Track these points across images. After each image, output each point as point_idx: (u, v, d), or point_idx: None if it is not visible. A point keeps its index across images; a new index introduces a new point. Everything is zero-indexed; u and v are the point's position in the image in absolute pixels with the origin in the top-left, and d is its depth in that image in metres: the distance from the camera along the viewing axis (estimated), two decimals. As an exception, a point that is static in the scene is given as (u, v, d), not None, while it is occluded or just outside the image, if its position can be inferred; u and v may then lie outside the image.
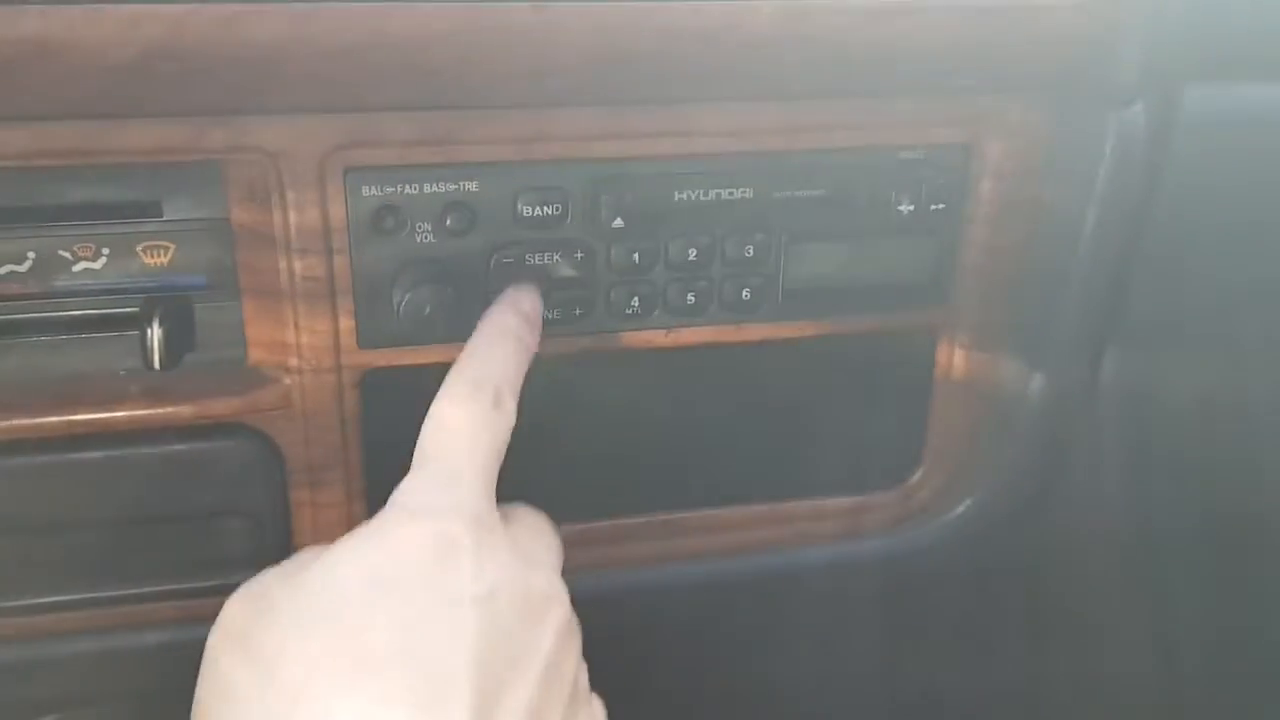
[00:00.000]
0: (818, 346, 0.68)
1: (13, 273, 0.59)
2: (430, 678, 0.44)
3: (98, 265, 0.60)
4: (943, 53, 0.57)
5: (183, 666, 0.65)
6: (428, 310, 0.58)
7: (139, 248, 0.60)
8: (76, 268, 0.59)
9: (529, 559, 0.52)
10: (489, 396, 0.52)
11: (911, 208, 0.64)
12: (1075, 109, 0.63)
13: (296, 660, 0.44)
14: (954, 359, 0.70)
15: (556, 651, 0.49)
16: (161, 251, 0.60)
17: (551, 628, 0.49)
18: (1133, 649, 0.84)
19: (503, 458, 0.53)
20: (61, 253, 0.59)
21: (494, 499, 0.52)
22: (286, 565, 0.51)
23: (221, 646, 0.48)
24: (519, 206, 0.60)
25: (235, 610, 0.49)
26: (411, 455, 0.55)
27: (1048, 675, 0.87)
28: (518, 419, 0.58)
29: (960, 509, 0.74)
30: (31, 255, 0.59)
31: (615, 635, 0.61)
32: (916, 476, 0.74)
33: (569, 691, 0.49)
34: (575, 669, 0.50)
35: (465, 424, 0.52)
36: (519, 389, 0.55)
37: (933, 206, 0.65)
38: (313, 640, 0.45)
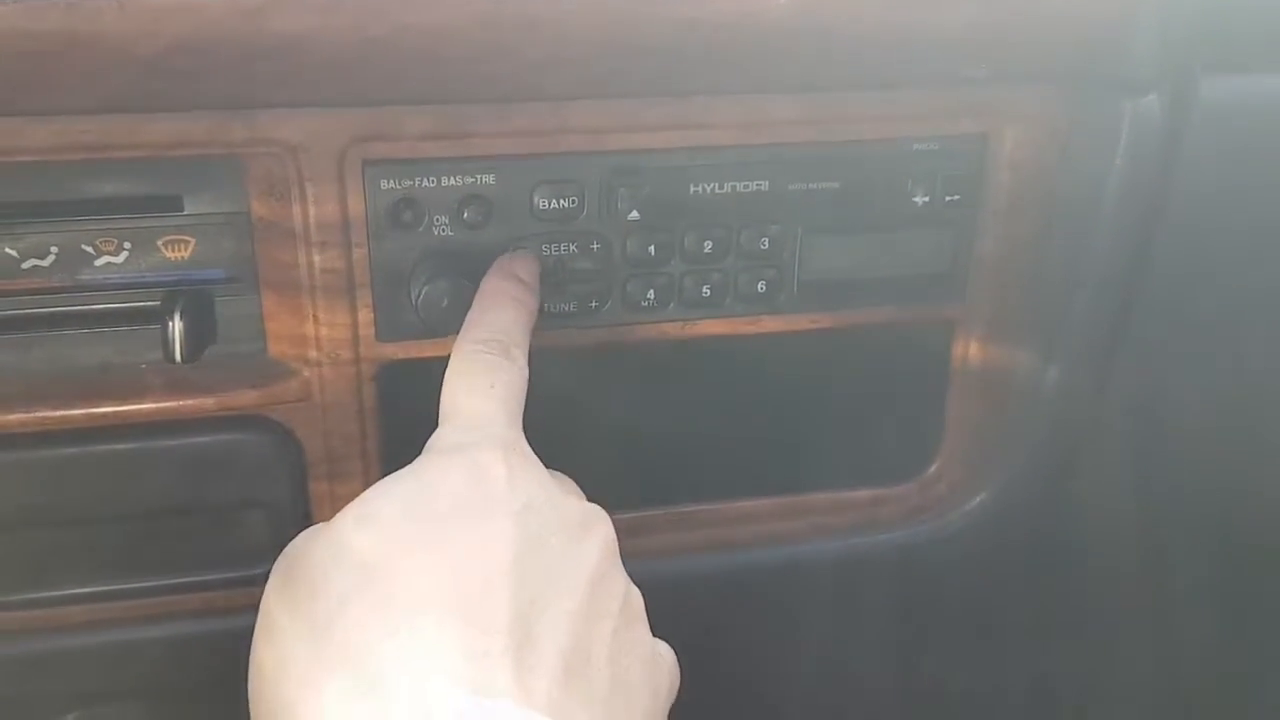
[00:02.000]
0: (833, 339, 0.68)
1: (36, 267, 0.59)
2: (467, 589, 0.44)
3: (119, 259, 0.60)
4: (958, 42, 0.58)
5: (205, 658, 0.66)
6: (445, 303, 0.59)
7: (160, 242, 0.60)
8: (99, 262, 0.60)
9: (565, 488, 0.53)
10: (498, 348, 0.54)
11: (927, 199, 0.65)
12: (1091, 99, 0.63)
13: (341, 613, 0.44)
14: (970, 351, 0.70)
15: (601, 566, 0.48)
16: (182, 245, 0.61)
17: (595, 545, 0.49)
18: (1144, 642, 0.84)
19: (523, 405, 0.54)
20: (84, 247, 0.60)
21: (523, 437, 0.53)
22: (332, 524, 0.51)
23: (274, 608, 0.48)
24: (535, 199, 0.61)
25: (281, 570, 0.49)
26: None
27: (1061, 667, 0.87)
28: (536, 411, 0.58)
29: (976, 501, 0.74)
30: (55, 250, 0.59)
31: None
32: (933, 469, 0.74)
33: (618, 608, 0.48)
34: (625, 589, 0.50)
35: (481, 373, 0.53)
36: (526, 345, 0.56)
37: (948, 198, 0.65)
38: (353, 589, 0.45)
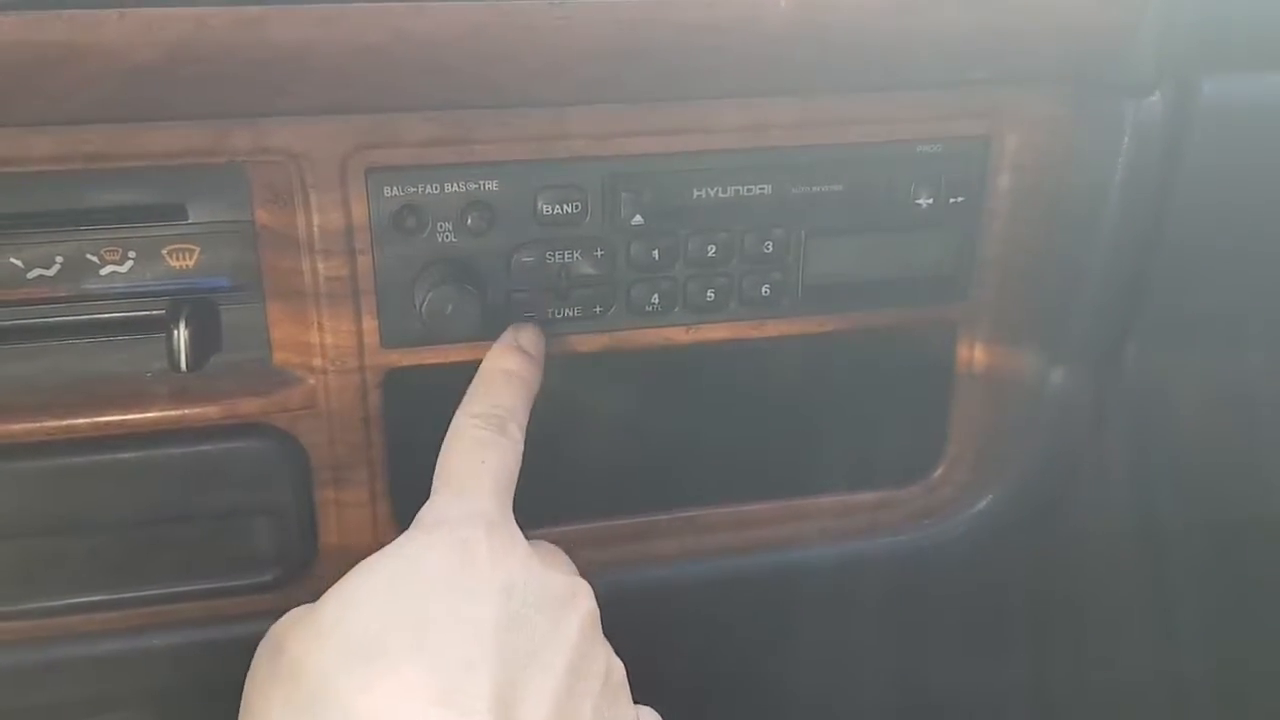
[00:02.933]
0: (838, 342, 0.68)
1: (42, 276, 0.60)
2: (449, 669, 0.45)
3: (124, 268, 0.60)
4: (960, 45, 0.58)
5: (210, 665, 0.66)
6: (449, 309, 0.59)
7: (164, 250, 0.60)
8: (104, 271, 0.60)
9: (548, 563, 0.53)
10: (495, 424, 0.55)
11: (930, 201, 0.65)
12: (1093, 100, 0.63)
13: (317, 667, 0.45)
14: (975, 353, 0.70)
15: (582, 643, 0.49)
16: (187, 254, 0.61)
17: (576, 620, 0.50)
18: (1148, 644, 0.83)
19: (515, 482, 0.55)
20: (89, 256, 0.60)
21: (510, 514, 0.54)
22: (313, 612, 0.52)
23: (256, 689, 0.48)
24: (539, 205, 0.61)
25: (264, 651, 0.49)
26: (435, 453, 0.56)
27: (1066, 669, 0.87)
28: (542, 416, 0.59)
29: (983, 504, 0.74)
30: (60, 259, 0.60)
31: (637, 632, 0.61)
32: (939, 471, 0.74)
33: (599, 686, 0.49)
34: (606, 663, 0.50)
35: (475, 448, 0.54)
36: (525, 420, 0.58)
37: (952, 200, 0.65)
38: (331, 647, 0.46)
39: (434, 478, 0.54)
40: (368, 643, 0.45)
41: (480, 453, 0.54)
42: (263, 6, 0.49)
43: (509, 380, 0.58)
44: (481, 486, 0.53)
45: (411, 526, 0.52)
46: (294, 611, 0.50)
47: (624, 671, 0.52)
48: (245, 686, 0.49)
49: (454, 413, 0.56)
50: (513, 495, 0.55)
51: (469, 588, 0.48)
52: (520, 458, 0.56)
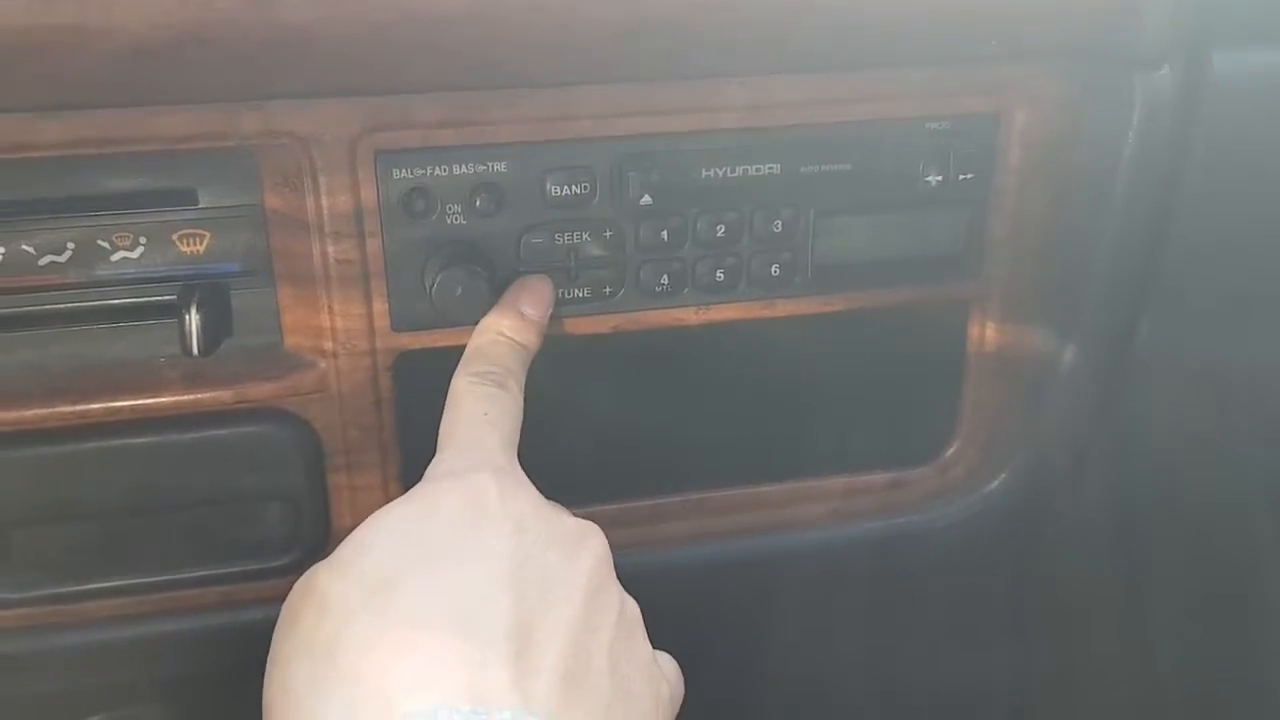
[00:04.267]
0: (848, 321, 0.68)
1: (53, 263, 0.60)
2: (465, 600, 0.45)
3: (135, 254, 0.61)
4: (967, 19, 0.57)
5: (224, 650, 0.66)
6: (459, 291, 0.59)
7: (175, 236, 0.61)
8: (115, 257, 0.60)
9: (557, 508, 0.54)
10: (494, 380, 0.56)
11: (940, 179, 0.64)
12: (1102, 75, 0.63)
13: (349, 647, 0.45)
14: (986, 331, 0.70)
15: (595, 578, 0.49)
16: (197, 239, 0.61)
17: (589, 558, 0.50)
18: (1162, 624, 0.83)
19: (518, 433, 0.56)
20: (100, 242, 0.60)
21: (517, 464, 0.54)
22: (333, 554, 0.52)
23: (281, 645, 0.48)
24: (548, 186, 0.61)
25: (287, 606, 0.50)
26: None
27: (1080, 650, 0.86)
28: (553, 399, 0.59)
29: (995, 483, 0.74)
30: (71, 245, 0.60)
31: (652, 614, 0.61)
32: (951, 450, 0.74)
33: (614, 619, 0.49)
34: (620, 600, 0.51)
35: (476, 403, 0.55)
36: (522, 377, 0.58)
37: (961, 177, 0.65)
38: (358, 622, 0.45)
39: (439, 438, 0.55)
40: (383, 586, 0.46)
41: (482, 406, 0.55)
42: (269, -13, 0.49)
43: (506, 343, 0.59)
44: (486, 439, 0.54)
45: (422, 481, 0.52)
46: (314, 566, 0.50)
47: (639, 611, 0.52)
48: (274, 633, 0.49)
49: None
50: (516, 446, 0.55)
51: (482, 525, 0.48)
52: (521, 411, 0.57)
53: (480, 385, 0.56)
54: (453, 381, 0.57)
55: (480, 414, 0.55)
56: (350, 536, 0.49)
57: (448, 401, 0.56)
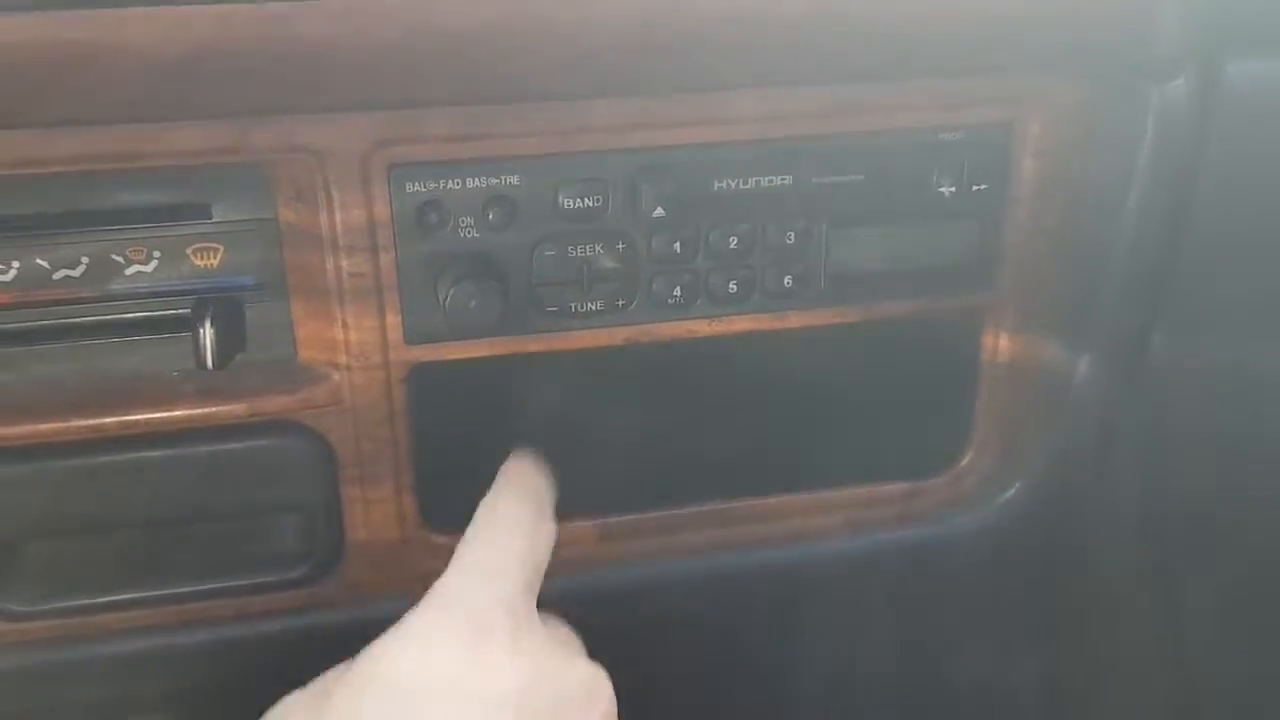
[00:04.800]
0: (862, 332, 0.68)
1: (67, 277, 0.60)
2: None
3: (149, 268, 0.61)
4: (980, 30, 0.57)
5: (240, 662, 0.66)
6: (472, 304, 0.59)
7: (189, 250, 0.61)
8: (129, 270, 0.61)
9: (568, 646, 0.51)
10: (534, 503, 0.55)
11: (953, 189, 0.64)
12: (1116, 85, 0.62)
13: None
14: (1000, 342, 0.70)
15: None
16: (211, 253, 0.61)
17: (597, 718, 0.48)
18: (1174, 633, 0.83)
19: (543, 572, 0.54)
20: (114, 256, 0.60)
21: (533, 601, 0.52)
22: (314, 686, 0.50)
23: None
24: (560, 198, 0.61)
25: None
26: (460, 448, 0.56)
27: (1093, 658, 0.86)
28: (566, 411, 0.58)
29: (1009, 493, 0.74)
30: (85, 259, 0.60)
31: (668, 624, 0.62)
32: (965, 461, 0.74)
33: None
34: None
35: (512, 522, 0.54)
36: (553, 516, 0.58)
37: (975, 188, 0.65)
38: None
39: (460, 544, 0.53)
40: None
41: (517, 526, 0.53)
42: (284, 2, 0.49)
43: (539, 471, 0.58)
44: (509, 565, 0.51)
45: (429, 596, 0.50)
46: (301, 699, 0.48)
47: None
48: None
49: (477, 410, 0.56)
50: (539, 585, 0.53)
51: (488, 690, 0.46)
52: (551, 549, 0.55)
53: (519, 504, 0.54)
54: (493, 489, 0.55)
55: (510, 536, 0.53)
56: (340, 688, 0.47)
57: (480, 507, 0.54)
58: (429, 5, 0.51)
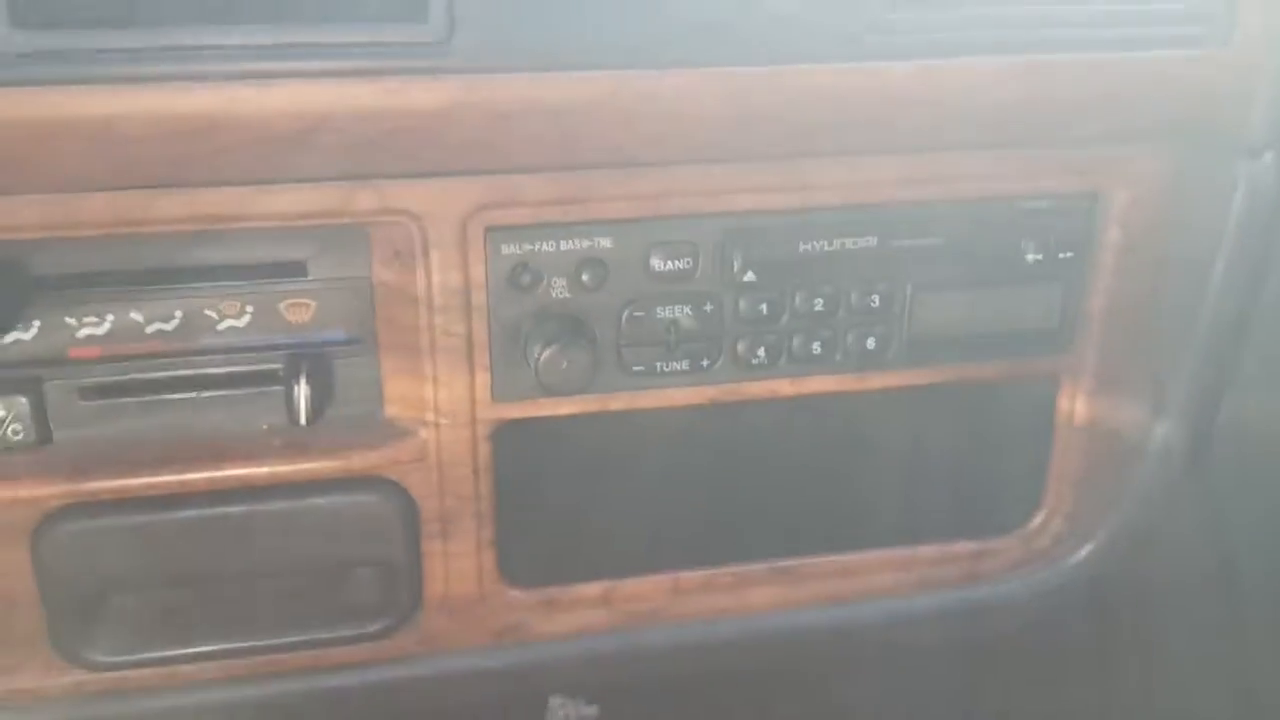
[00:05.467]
0: (939, 393, 0.68)
1: (160, 331, 0.60)
2: None
3: (241, 323, 0.61)
4: (1073, 106, 0.58)
5: (318, 713, 0.66)
6: (565, 365, 0.59)
7: (282, 305, 0.61)
8: (221, 326, 0.61)
9: None
10: None
11: (1040, 257, 0.65)
12: (1204, 158, 0.63)
13: None
14: (1076, 405, 0.70)
15: None
16: (304, 309, 0.61)
17: None
18: (1247, 695, 0.83)
19: None
20: (208, 311, 0.61)
21: None
22: None
23: None
24: (651, 261, 0.61)
25: None
26: (541, 502, 0.54)
27: (1163, 714, 0.86)
28: (647, 467, 0.57)
29: (1082, 553, 0.74)
30: (179, 314, 0.60)
31: (744, 678, 0.61)
32: (1037, 521, 0.74)
33: None
34: None
35: None
36: None
37: (1061, 255, 0.65)
38: None
39: None
40: None
41: None
42: (404, 78, 0.49)
43: None
44: None
45: None
46: None
47: None
48: None
49: (558, 467, 0.55)
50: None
51: None
52: None
53: None
54: None
55: None
56: None
57: None
58: (536, 82, 0.51)
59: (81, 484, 0.59)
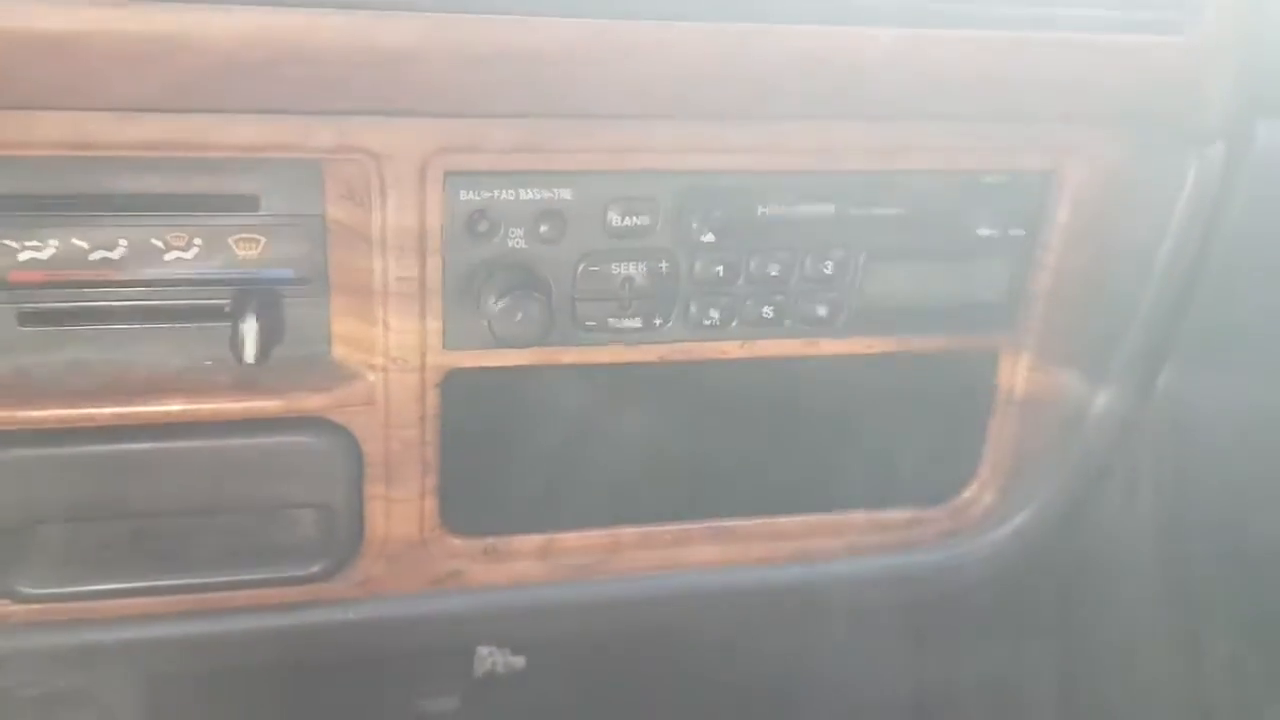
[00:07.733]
0: (882, 362, 0.69)
1: (105, 259, 0.59)
2: None
3: (189, 255, 0.60)
4: (1041, 84, 0.58)
5: (254, 652, 0.66)
6: (519, 316, 0.59)
7: (231, 239, 0.60)
8: (168, 257, 0.60)
9: None
10: None
11: (991, 232, 0.66)
12: (1158, 143, 0.64)
13: None
14: (1016, 378, 0.71)
15: None
16: (253, 244, 0.60)
17: None
18: (1168, 662, 0.85)
19: None
20: (154, 241, 0.59)
21: None
22: None
23: None
24: (609, 216, 0.61)
25: None
26: (487, 453, 0.54)
27: (1087, 686, 0.88)
28: (591, 423, 0.58)
29: (1010, 525, 0.75)
30: (124, 243, 0.59)
31: (674, 635, 0.62)
32: (969, 491, 0.75)
33: None
34: None
35: None
36: None
37: (1012, 232, 0.66)
38: None
39: None
40: None
41: None
42: (373, 12, 0.48)
43: None
44: None
45: None
46: None
47: None
48: None
49: (503, 417, 0.55)
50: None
51: None
52: None
53: None
54: None
55: None
56: None
57: None
58: (510, 25, 0.50)
59: (18, 412, 0.58)
